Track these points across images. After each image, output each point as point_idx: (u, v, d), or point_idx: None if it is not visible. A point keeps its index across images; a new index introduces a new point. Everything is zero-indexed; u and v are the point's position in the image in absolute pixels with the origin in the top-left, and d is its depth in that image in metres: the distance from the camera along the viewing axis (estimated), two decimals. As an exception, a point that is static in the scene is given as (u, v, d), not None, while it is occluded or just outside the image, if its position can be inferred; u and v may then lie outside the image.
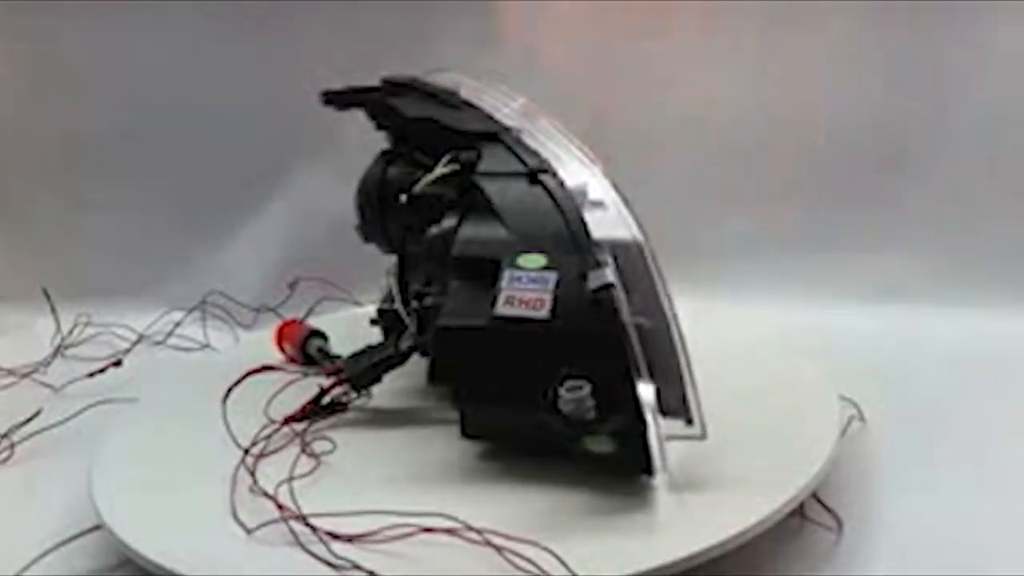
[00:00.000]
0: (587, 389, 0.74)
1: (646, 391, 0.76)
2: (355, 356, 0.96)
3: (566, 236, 0.81)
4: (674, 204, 1.21)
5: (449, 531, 0.73)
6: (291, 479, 0.81)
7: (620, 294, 0.77)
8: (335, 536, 0.74)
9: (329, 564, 0.73)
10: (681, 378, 0.79)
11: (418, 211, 0.92)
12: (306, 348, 1.06)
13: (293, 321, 1.11)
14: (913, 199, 1.25)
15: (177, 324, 1.28)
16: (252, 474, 0.83)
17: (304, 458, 0.86)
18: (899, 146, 1.26)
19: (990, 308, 1.15)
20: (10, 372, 1.20)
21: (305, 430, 0.90)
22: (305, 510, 0.77)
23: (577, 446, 0.77)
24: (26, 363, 1.21)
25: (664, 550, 0.71)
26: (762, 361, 0.97)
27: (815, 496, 0.81)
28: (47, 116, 1.41)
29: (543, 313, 0.77)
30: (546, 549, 0.70)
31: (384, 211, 0.97)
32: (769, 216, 1.28)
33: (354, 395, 0.94)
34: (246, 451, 0.86)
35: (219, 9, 1.34)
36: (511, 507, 0.77)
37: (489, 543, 0.71)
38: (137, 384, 1.11)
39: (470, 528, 0.72)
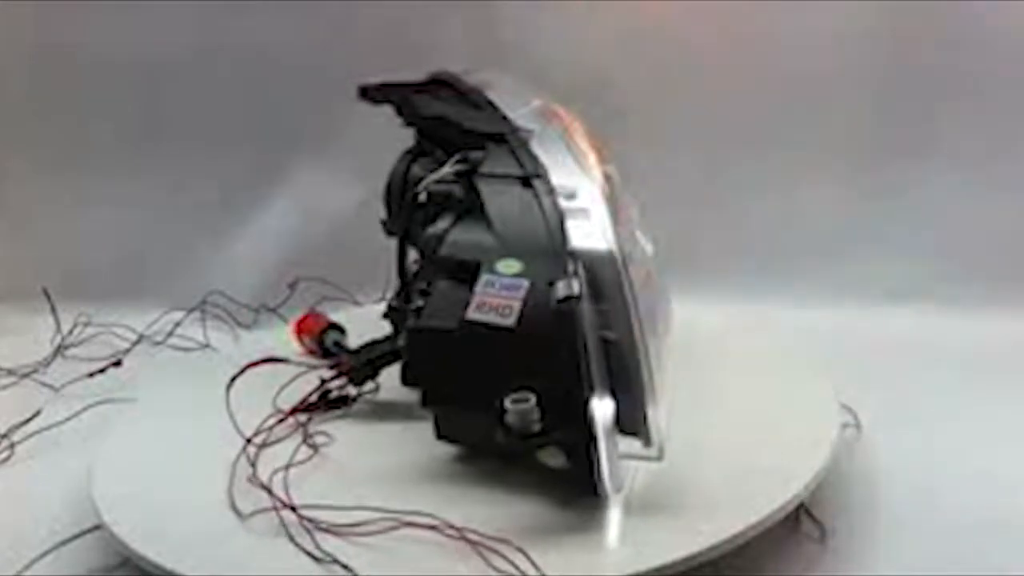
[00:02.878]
0: (532, 401, 0.73)
1: (603, 407, 0.75)
2: (356, 351, 0.97)
3: (544, 244, 0.80)
4: (674, 204, 1.21)
5: (429, 527, 0.74)
6: (288, 467, 0.83)
7: (586, 306, 0.75)
8: (320, 527, 0.75)
9: (313, 557, 0.73)
10: (642, 396, 0.77)
11: (429, 209, 0.92)
12: (323, 341, 1.06)
13: (313, 314, 1.11)
14: (914, 199, 1.25)
15: (177, 324, 1.28)
16: (253, 465, 0.84)
17: (303, 450, 0.87)
18: (898, 146, 1.26)
19: (991, 308, 1.15)
20: (10, 372, 1.20)
21: (307, 422, 0.90)
22: (298, 501, 0.78)
23: (531, 458, 0.77)
24: (26, 363, 1.21)
25: (646, 557, 0.71)
26: (761, 363, 0.97)
27: (803, 506, 0.80)
28: (47, 115, 1.41)
29: (510, 320, 0.77)
30: (520, 550, 0.71)
31: (405, 207, 0.98)
32: (769, 217, 1.28)
33: (357, 389, 0.94)
34: (248, 440, 0.86)
35: (220, 8, 1.33)
36: (496, 507, 0.77)
37: (466, 539, 0.72)
38: (137, 384, 1.12)
39: (449, 526, 0.73)
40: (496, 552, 0.71)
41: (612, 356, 0.76)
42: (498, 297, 0.78)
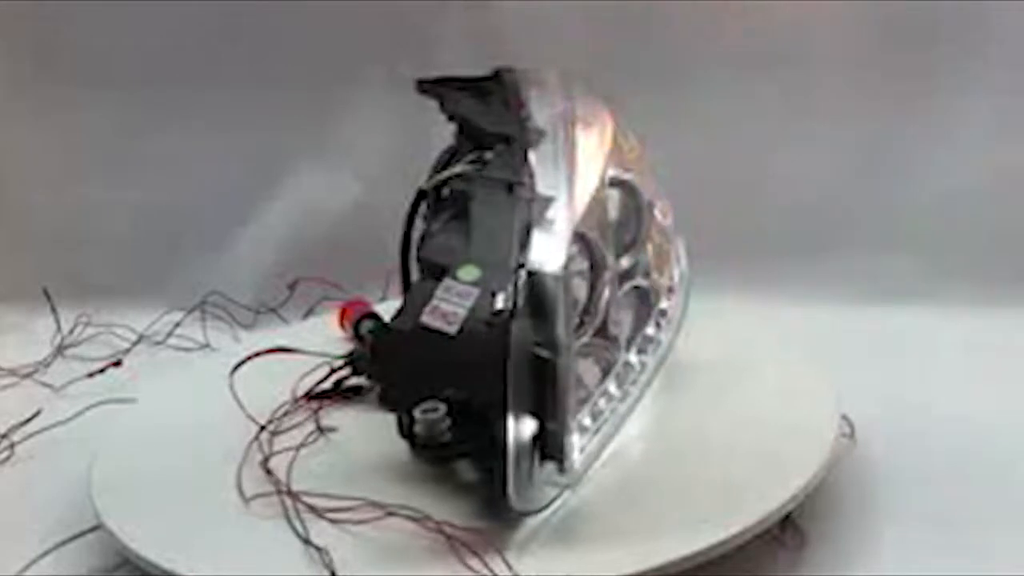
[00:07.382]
0: (441, 411, 0.73)
1: (518, 425, 0.73)
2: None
3: (503, 254, 0.78)
4: (673, 202, 1.21)
5: (412, 520, 0.75)
6: (298, 447, 0.85)
7: (523, 322, 0.73)
8: (317, 512, 0.77)
9: (305, 541, 0.75)
10: (564, 421, 0.75)
11: (444, 206, 0.91)
12: (358, 328, 1.06)
13: (358, 301, 1.11)
14: (915, 197, 1.25)
15: (177, 324, 1.28)
16: (267, 457, 0.85)
17: (310, 440, 0.88)
18: (896, 146, 1.26)
19: (991, 308, 1.15)
20: (10, 372, 1.20)
21: (318, 410, 0.92)
22: (300, 487, 0.80)
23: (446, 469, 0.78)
24: (26, 363, 1.21)
25: (639, 558, 0.71)
26: (759, 366, 0.96)
27: (790, 515, 0.80)
28: (47, 116, 1.41)
29: (452, 329, 0.76)
30: (497, 550, 0.71)
31: (412, 203, 0.97)
32: (769, 214, 1.28)
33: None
34: (262, 427, 0.88)
35: (220, 8, 1.34)
36: (491, 505, 0.77)
37: (443, 533, 0.73)
38: (137, 384, 1.12)
39: (428, 519, 0.74)
40: (469, 549, 0.72)
41: (545, 377, 0.74)
42: (451, 304, 0.77)
